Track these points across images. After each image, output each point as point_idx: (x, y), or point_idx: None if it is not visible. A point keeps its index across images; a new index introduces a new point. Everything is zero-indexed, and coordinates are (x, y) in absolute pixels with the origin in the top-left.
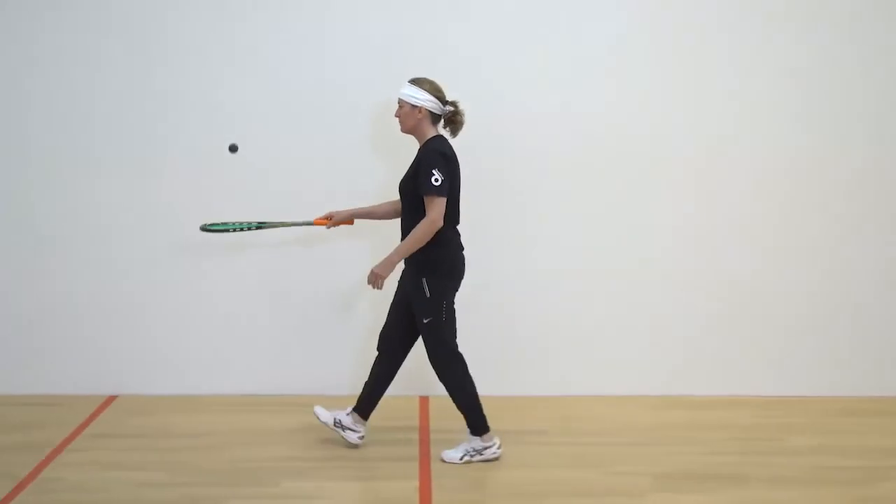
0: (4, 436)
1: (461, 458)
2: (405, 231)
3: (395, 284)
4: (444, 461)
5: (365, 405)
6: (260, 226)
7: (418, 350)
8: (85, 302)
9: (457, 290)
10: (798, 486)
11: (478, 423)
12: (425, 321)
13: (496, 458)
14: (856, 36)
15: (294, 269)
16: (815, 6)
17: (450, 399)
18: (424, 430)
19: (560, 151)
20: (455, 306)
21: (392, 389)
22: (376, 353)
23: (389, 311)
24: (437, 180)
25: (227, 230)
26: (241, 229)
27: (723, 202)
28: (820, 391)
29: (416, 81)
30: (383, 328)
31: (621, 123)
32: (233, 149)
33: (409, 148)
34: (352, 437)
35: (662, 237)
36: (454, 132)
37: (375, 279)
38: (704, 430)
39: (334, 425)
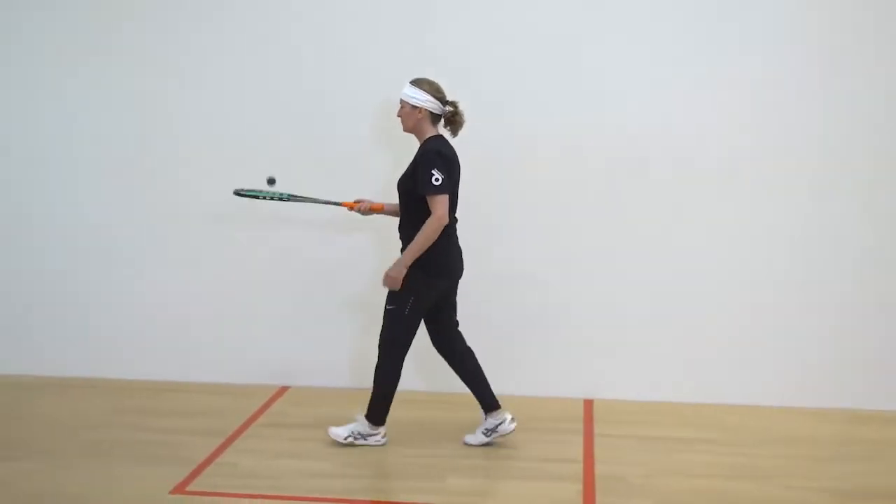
0: (186, 420)
1: (345, 438)
2: (402, 228)
3: None
4: (330, 436)
5: (488, 401)
6: (291, 198)
7: (578, 352)
8: (257, 299)
9: (450, 287)
10: None
11: (378, 413)
12: (389, 307)
13: (378, 445)
14: None
15: None
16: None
17: (615, 402)
18: (588, 432)
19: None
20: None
21: (557, 391)
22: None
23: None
24: (437, 179)
25: (258, 197)
26: (272, 198)
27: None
28: None
29: (416, 82)
30: (429, 334)
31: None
32: (271, 182)
33: (414, 147)
34: (505, 427)
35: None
36: (454, 132)
37: (391, 282)
38: (888, 447)
39: (489, 438)
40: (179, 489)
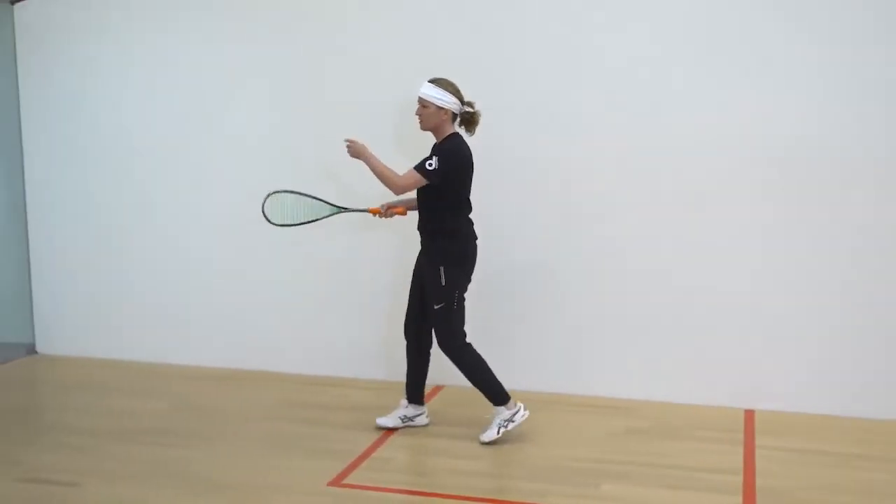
0: (347, 414)
1: (498, 433)
2: (421, 224)
3: (411, 276)
4: (484, 443)
5: (413, 392)
6: (318, 201)
7: (740, 361)
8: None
9: (468, 280)
10: None
11: (498, 395)
12: (436, 307)
13: (525, 420)
14: None
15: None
16: None
17: (778, 413)
18: (749, 444)
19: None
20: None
21: (716, 400)
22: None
23: (409, 301)
24: (430, 165)
25: (290, 225)
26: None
27: None
28: None
29: (437, 82)
30: (406, 317)
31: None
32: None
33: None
34: (421, 420)
35: None
36: (471, 130)
37: (353, 151)
38: None
39: (403, 423)
40: (336, 482)
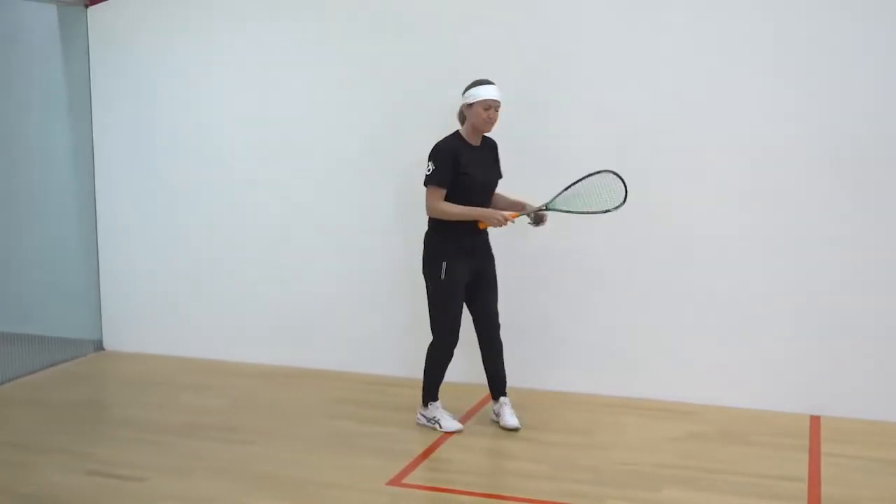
0: (401, 414)
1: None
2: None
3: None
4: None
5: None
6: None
7: (806, 366)
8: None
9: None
10: None
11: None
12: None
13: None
14: None
15: None
16: None
17: (845, 420)
18: (815, 450)
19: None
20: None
21: (781, 405)
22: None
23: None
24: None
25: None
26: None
27: None
28: None
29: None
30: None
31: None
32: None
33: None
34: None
35: None
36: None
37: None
38: None
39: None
40: (396, 481)
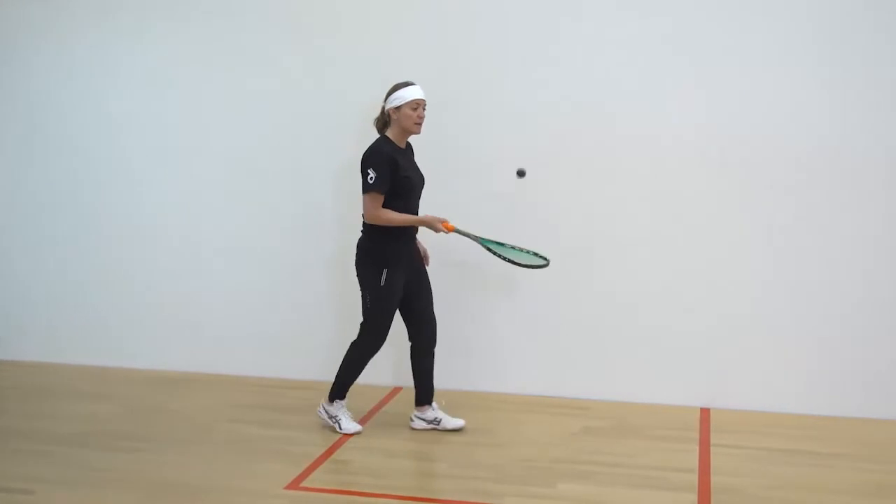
0: (299, 417)
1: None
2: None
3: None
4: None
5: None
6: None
7: (696, 360)
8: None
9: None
10: None
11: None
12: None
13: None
14: None
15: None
16: None
17: (734, 412)
18: (705, 442)
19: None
20: None
21: (673, 399)
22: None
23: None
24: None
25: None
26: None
27: None
28: None
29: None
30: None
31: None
32: (521, 173)
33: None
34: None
35: None
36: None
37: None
38: None
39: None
40: (294, 485)
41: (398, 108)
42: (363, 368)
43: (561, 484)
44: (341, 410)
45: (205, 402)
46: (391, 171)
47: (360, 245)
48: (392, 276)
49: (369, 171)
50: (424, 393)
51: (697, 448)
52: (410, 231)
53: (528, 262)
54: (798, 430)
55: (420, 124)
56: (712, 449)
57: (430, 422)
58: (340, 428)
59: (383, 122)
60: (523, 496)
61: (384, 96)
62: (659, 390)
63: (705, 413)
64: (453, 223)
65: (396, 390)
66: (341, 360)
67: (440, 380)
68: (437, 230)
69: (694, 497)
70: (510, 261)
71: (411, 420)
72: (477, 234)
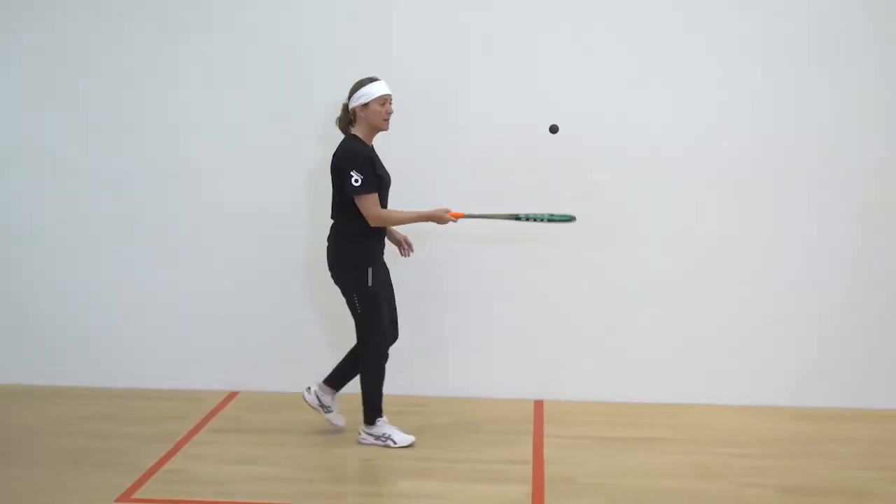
0: (135, 427)
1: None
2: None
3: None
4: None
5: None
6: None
7: (532, 355)
8: (206, 303)
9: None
10: None
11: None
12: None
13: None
14: None
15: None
16: None
17: (565, 403)
18: (538, 434)
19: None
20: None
21: (506, 392)
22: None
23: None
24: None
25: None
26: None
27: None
28: None
29: None
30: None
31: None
32: (553, 129)
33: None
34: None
35: (794, 247)
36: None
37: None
38: (832, 443)
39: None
40: (125, 497)
41: (366, 105)
42: (384, 375)
43: (402, 481)
44: (387, 427)
45: (28, 415)
46: (373, 171)
47: (336, 250)
48: (377, 273)
49: (352, 173)
50: (337, 378)
51: (531, 440)
52: (383, 231)
53: (556, 218)
54: (625, 418)
55: (388, 120)
56: (546, 440)
57: (318, 405)
58: (395, 443)
59: (347, 120)
60: (364, 495)
61: (347, 94)
62: (494, 385)
63: (539, 405)
64: (457, 210)
65: (232, 395)
66: (359, 383)
67: (274, 384)
68: (444, 221)
69: (528, 488)
70: (539, 219)
71: (308, 388)
72: (488, 213)
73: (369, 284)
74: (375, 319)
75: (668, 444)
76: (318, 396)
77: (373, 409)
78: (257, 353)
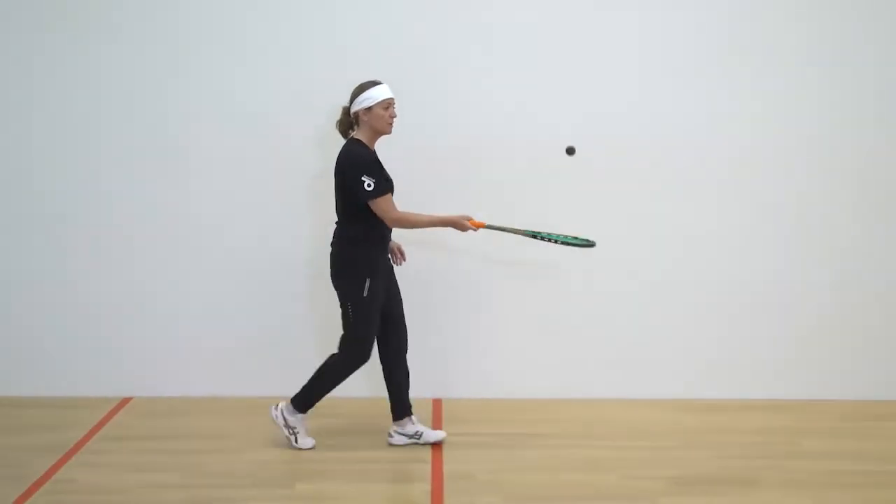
0: (20, 437)
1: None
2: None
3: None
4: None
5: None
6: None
7: (430, 353)
8: (99, 303)
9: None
10: (810, 490)
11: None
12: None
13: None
14: None
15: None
16: None
17: (464, 401)
18: None
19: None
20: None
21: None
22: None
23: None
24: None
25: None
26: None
27: (741, 205)
28: (833, 395)
29: None
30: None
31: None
32: (570, 151)
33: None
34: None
35: (676, 241)
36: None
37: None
38: (718, 434)
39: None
40: None
41: (369, 108)
42: (339, 383)
43: (300, 484)
44: (301, 424)
45: None
46: (381, 172)
47: (338, 255)
48: (375, 286)
49: (364, 178)
50: (401, 405)
51: None
52: (387, 236)
53: (574, 242)
54: (522, 413)
55: (392, 124)
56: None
57: (410, 436)
58: (296, 442)
59: (348, 124)
60: (261, 499)
61: (349, 98)
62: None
63: (437, 404)
64: (479, 219)
65: (126, 401)
66: (316, 370)
67: (161, 388)
68: (465, 229)
69: (428, 486)
70: (556, 240)
71: (390, 436)
72: (509, 226)
73: (364, 295)
74: (363, 332)
75: (561, 439)
76: (401, 434)
77: (306, 401)
78: (151, 355)
